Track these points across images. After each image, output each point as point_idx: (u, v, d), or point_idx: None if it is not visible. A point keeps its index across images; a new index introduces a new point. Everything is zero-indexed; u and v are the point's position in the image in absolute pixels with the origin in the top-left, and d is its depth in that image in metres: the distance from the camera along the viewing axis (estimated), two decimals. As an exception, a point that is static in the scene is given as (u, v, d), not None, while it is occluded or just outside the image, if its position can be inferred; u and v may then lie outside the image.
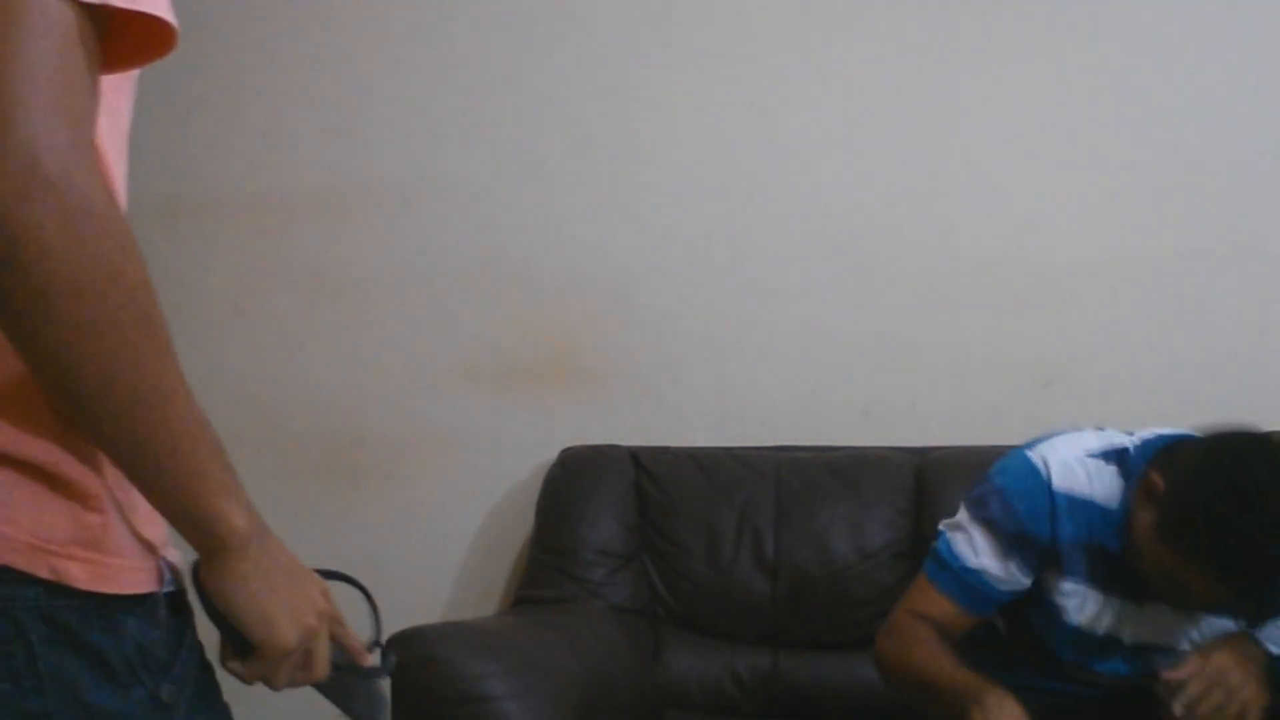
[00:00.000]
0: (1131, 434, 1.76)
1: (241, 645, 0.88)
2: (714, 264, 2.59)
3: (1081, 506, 1.68)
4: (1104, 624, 1.71)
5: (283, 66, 2.72)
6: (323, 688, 0.97)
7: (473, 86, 2.65)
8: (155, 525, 0.86)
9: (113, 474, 0.82)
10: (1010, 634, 1.80)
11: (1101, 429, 1.78)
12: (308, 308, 2.70)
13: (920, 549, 2.29)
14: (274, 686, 0.91)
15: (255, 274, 2.71)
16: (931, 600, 1.77)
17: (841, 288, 2.56)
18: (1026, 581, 1.72)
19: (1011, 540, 1.70)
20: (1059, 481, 1.68)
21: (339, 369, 2.70)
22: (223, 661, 0.90)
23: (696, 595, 2.37)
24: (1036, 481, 1.69)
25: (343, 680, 0.97)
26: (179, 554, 0.88)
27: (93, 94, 0.74)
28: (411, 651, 1.91)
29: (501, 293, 2.65)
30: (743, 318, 2.58)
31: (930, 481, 2.35)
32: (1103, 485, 1.69)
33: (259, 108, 2.72)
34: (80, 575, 0.79)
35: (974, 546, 1.72)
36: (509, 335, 2.64)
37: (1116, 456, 1.70)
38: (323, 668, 0.92)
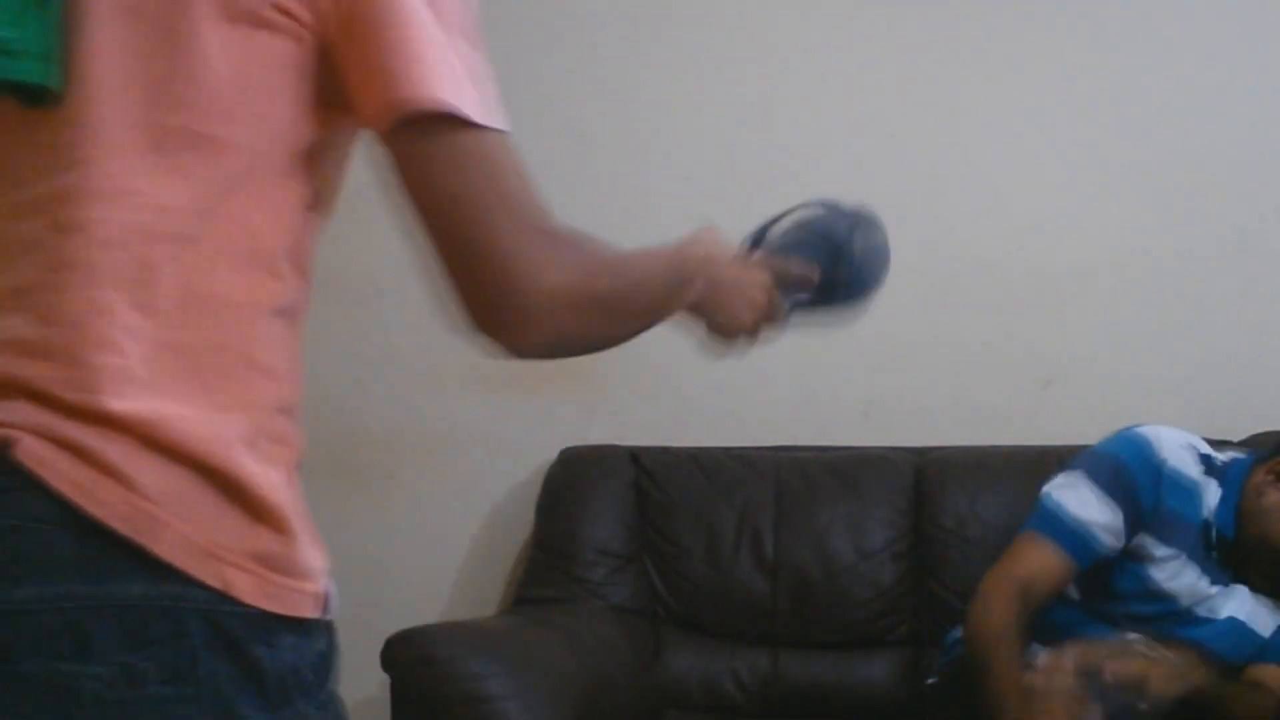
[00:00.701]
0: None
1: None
2: (714, 264, 2.58)
3: (1186, 483, 1.84)
4: (1187, 597, 1.84)
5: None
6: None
7: (473, 86, 2.65)
8: (320, 550, 0.86)
9: (291, 496, 0.83)
10: (1085, 600, 1.89)
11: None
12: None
13: (920, 548, 2.31)
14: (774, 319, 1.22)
15: (255, 274, 2.71)
16: (1033, 554, 1.86)
17: (841, 288, 2.55)
18: (1123, 541, 1.84)
19: (1120, 498, 1.83)
20: (1170, 459, 1.84)
21: (339, 369, 2.69)
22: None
23: (696, 595, 2.37)
24: (1150, 452, 1.85)
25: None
26: (333, 584, 0.88)
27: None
28: (411, 651, 1.91)
29: (501, 293, 2.64)
30: (743, 318, 2.58)
31: (930, 481, 2.35)
32: (1198, 472, 1.86)
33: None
34: (247, 588, 0.78)
35: (1082, 499, 1.84)
36: (509, 335, 2.64)
37: (1202, 457, 1.88)
38: (782, 309, 1.23)
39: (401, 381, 2.67)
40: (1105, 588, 1.87)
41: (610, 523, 2.42)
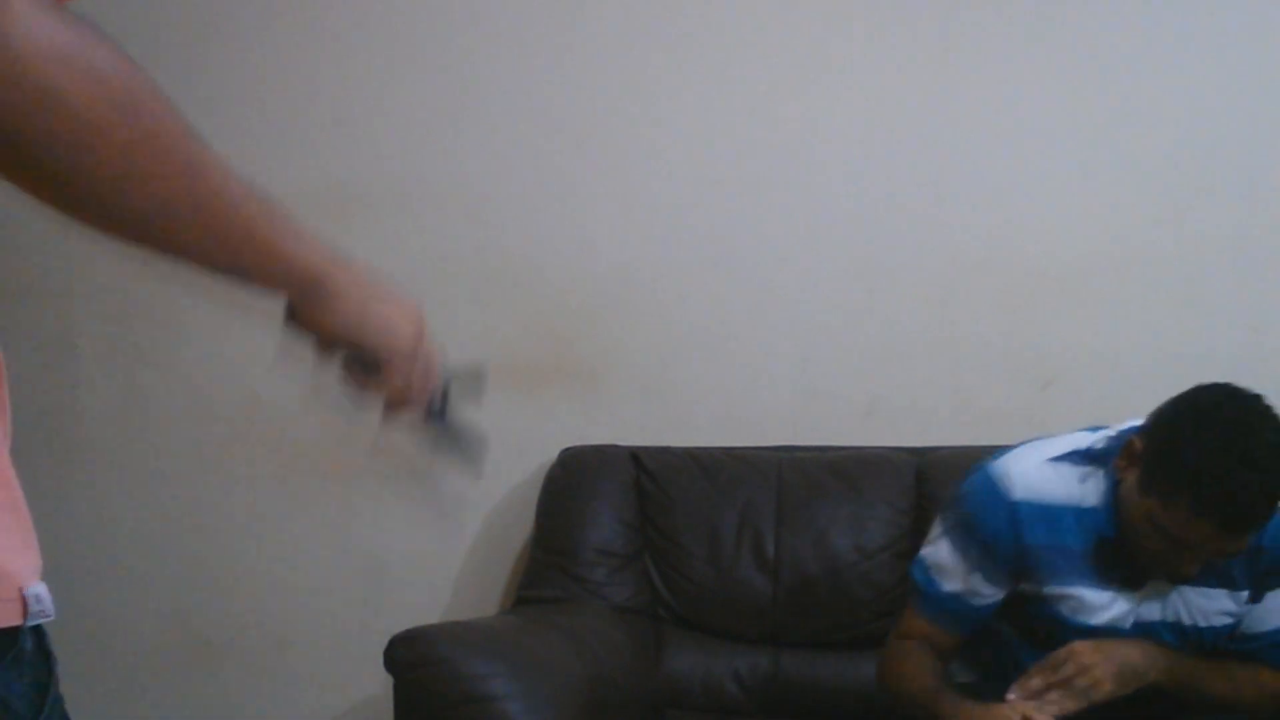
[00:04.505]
0: (1106, 427, 1.80)
1: (365, 366, 0.89)
2: (714, 263, 2.59)
3: (1048, 512, 1.72)
4: (1104, 616, 1.72)
5: (283, 66, 2.71)
6: (438, 417, 1.02)
7: (473, 86, 2.65)
8: (22, 552, 0.76)
9: None
10: (1020, 636, 1.82)
11: (1080, 431, 1.82)
12: (308, 308, 2.70)
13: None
14: (410, 400, 0.92)
15: (255, 274, 2.70)
16: (918, 625, 1.83)
17: (842, 288, 2.56)
18: (1000, 594, 1.77)
19: (978, 557, 1.74)
20: (1021, 493, 1.72)
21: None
22: (356, 391, 0.91)
23: (698, 595, 2.37)
24: (996, 496, 1.73)
25: (451, 401, 1.02)
26: (45, 587, 0.78)
27: None
28: (414, 652, 1.91)
29: (501, 293, 2.65)
30: (743, 317, 2.58)
31: (931, 481, 2.35)
32: (1067, 486, 1.73)
33: (259, 107, 2.72)
34: None
35: (945, 570, 1.78)
36: (509, 335, 2.64)
37: (1083, 456, 1.75)
38: (439, 366, 0.95)
39: (401, 381, 2.67)
40: (1032, 628, 1.78)
41: (611, 522, 2.42)
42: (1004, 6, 2.52)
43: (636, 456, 2.47)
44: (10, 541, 0.74)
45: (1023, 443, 1.82)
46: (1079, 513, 1.71)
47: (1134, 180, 2.49)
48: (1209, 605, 1.73)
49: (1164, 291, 2.48)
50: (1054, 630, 1.74)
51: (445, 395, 1.02)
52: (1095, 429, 1.81)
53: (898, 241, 2.55)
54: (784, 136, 2.57)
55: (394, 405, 0.93)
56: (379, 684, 2.49)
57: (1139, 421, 1.72)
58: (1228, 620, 1.74)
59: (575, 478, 2.47)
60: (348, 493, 2.69)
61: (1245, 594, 1.73)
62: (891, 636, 1.89)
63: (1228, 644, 1.76)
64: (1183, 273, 2.47)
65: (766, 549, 2.34)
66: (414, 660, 1.90)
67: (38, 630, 0.76)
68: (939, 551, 1.78)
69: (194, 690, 2.75)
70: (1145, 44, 2.48)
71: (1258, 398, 1.61)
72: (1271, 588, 1.72)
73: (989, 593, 1.76)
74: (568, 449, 2.53)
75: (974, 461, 2.32)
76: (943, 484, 2.32)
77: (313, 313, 0.85)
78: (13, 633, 0.73)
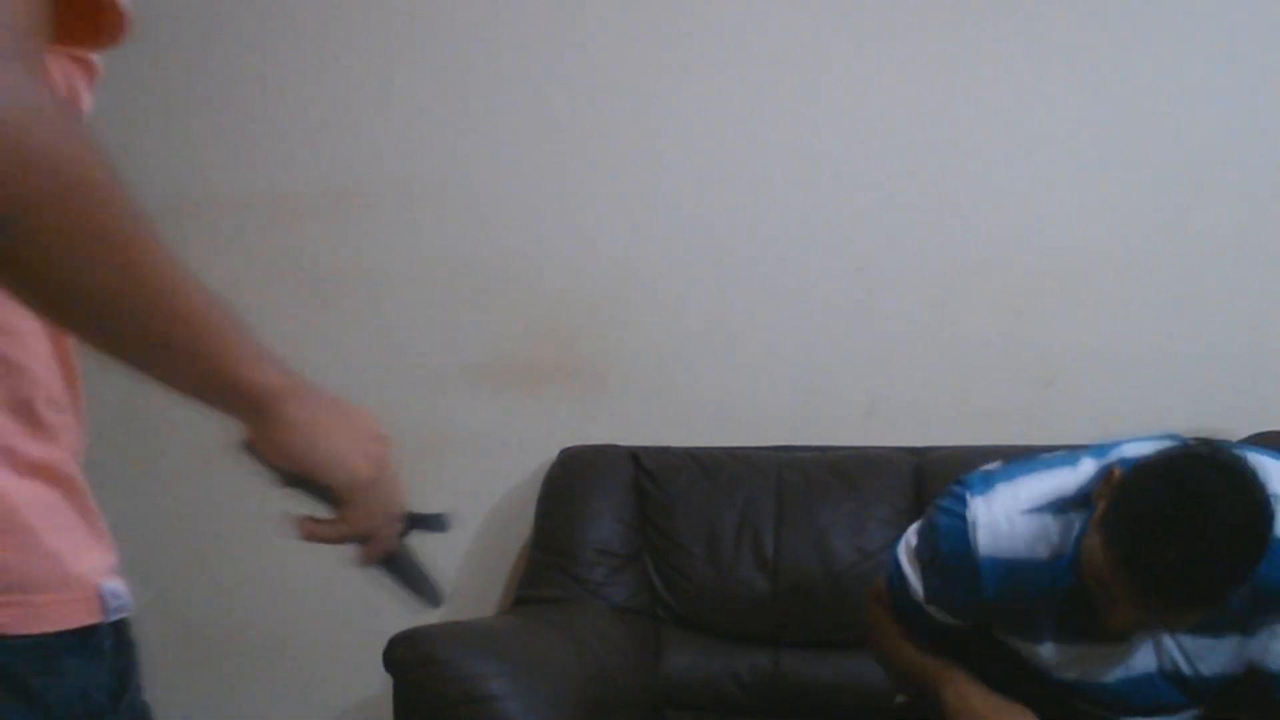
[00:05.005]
0: (1117, 445, 1.64)
1: (325, 500, 0.87)
2: (715, 263, 2.59)
3: (1014, 567, 1.61)
4: (1072, 672, 1.66)
5: (282, 66, 2.71)
6: (395, 561, 0.99)
7: (473, 86, 2.65)
8: (92, 552, 0.78)
9: (33, 503, 0.74)
10: (985, 652, 1.77)
11: (1085, 458, 1.66)
12: (307, 308, 2.70)
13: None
14: (375, 532, 0.90)
15: (255, 274, 2.70)
16: (887, 607, 1.80)
17: (842, 288, 2.56)
18: (955, 623, 1.72)
19: (937, 594, 1.70)
20: (985, 548, 1.62)
21: (339, 369, 2.69)
22: (313, 534, 0.89)
23: (697, 595, 2.37)
24: (964, 546, 1.63)
25: (411, 538, 0.99)
26: (121, 581, 0.81)
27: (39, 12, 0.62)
28: (413, 651, 1.91)
29: (501, 292, 2.65)
30: (744, 317, 2.58)
31: (930, 481, 2.34)
32: (1043, 540, 1.61)
33: (259, 108, 2.72)
34: (6, 621, 0.70)
35: (911, 588, 1.73)
36: (509, 335, 2.64)
37: (1072, 503, 1.60)
38: (402, 491, 0.92)
39: (401, 381, 2.67)
40: (994, 653, 1.72)
41: (610, 522, 2.43)
42: (1004, 7, 2.52)
43: (636, 456, 2.47)
44: (82, 540, 0.77)
45: (1015, 466, 1.70)
46: (1051, 569, 1.60)
47: (1134, 180, 2.49)
48: (1211, 654, 1.60)
49: (1164, 291, 2.48)
50: (1023, 669, 1.70)
51: (406, 535, 0.99)
52: (1100, 450, 1.65)
53: (898, 241, 2.54)
54: (784, 136, 2.57)
55: (356, 542, 0.90)
56: (379, 684, 2.49)
57: (1145, 443, 1.58)
58: (1238, 668, 1.61)
59: (575, 478, 2.48)
60: (348, 493, 2.69)
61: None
62: (870, 595, 1.85)
63: (1250, 690, 1.63)
64: (1183, 273, 2.47)
65: (766, 549, 2.34)
66: (414, 660, 1.90)
67: (120, 622, 0.78)
68: (908, 569, 1.73)
69: (194, 690, 2.75)
70: (1145, 45, 2.48)
71: (1242, 473, 1.42)
72: (1269, 624, 1.58)
73: (949, 621, 1.71)
74: (568, 449, 2.53)
75: (973, 462, 2.31)
76: (943, 484, 2.30)
77: (258, 441, 0.82)
78: (93, 629, 0.75)
